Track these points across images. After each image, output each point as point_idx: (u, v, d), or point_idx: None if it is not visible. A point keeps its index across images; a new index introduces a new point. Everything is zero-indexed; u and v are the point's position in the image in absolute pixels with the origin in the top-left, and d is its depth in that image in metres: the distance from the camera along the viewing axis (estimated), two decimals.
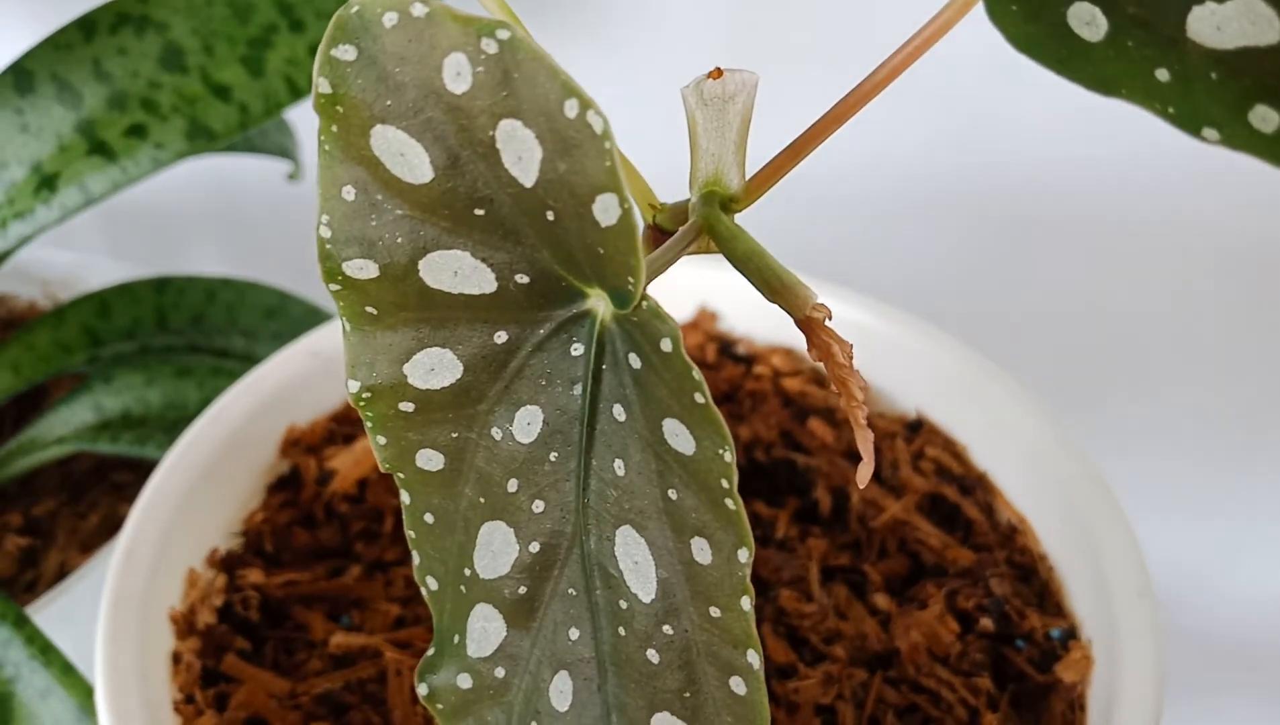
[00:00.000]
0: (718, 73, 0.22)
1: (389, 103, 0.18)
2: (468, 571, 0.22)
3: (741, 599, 0.19)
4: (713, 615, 0.20)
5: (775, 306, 0.48)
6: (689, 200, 0.24)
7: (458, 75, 0.17)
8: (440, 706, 0.23)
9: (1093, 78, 0.17)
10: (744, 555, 0.19)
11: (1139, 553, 0.34)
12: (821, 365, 0.46)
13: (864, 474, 0.20)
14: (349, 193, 0.19)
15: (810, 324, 0.21)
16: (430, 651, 0.23)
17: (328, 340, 0.44)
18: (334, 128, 0.18)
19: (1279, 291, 0.57)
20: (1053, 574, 0.38)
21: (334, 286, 0.20)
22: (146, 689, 0.33)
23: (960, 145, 0.60)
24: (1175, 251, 0.57)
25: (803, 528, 0.40)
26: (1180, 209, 0.56)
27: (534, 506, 0.21)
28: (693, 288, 0.47)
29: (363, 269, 0.19)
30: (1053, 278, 0.61)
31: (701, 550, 0.19)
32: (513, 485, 0.21)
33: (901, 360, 0.44)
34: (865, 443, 0.20)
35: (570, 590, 0.21)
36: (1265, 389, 0.60)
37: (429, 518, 0.22)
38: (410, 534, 0.23)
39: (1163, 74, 0.17)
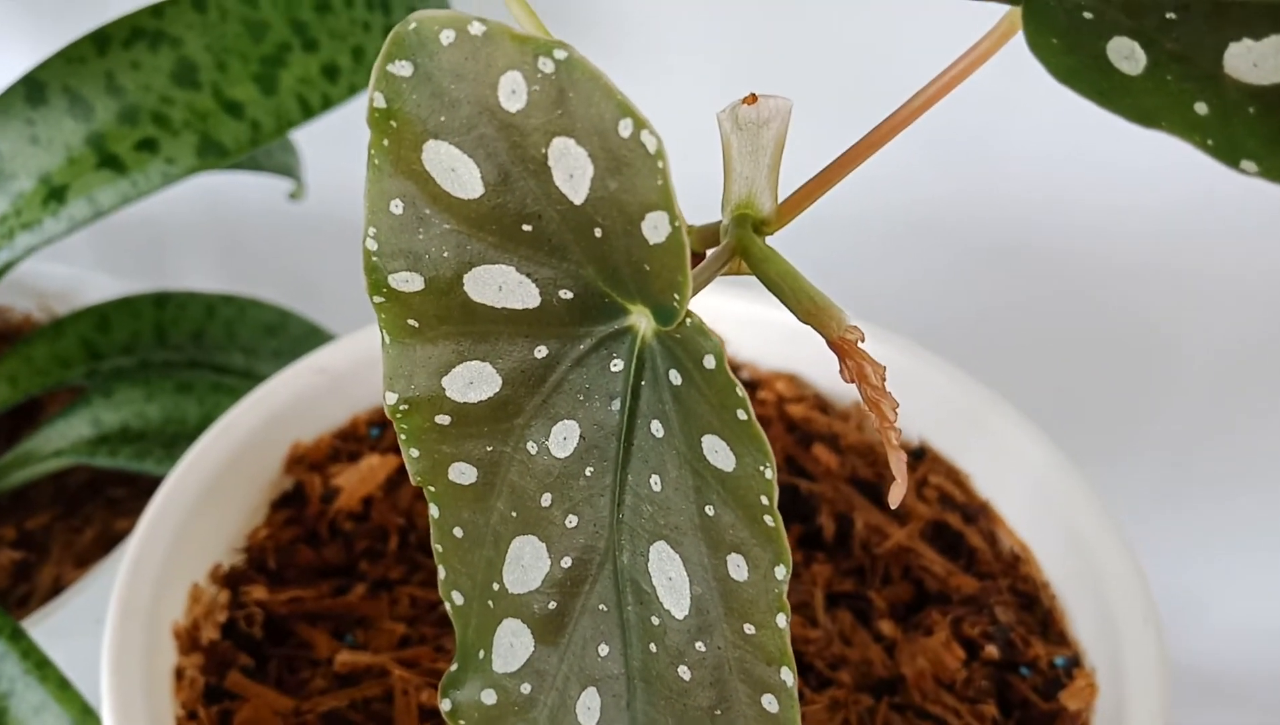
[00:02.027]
0: (753, 98, 0.23)
1: (443, 119, 0.18)
2: (496, 586, 0.22)
3: (777, 616, 0.19)
4: (747, 632, 0.20)
5: (777, 333, 0.49)
6: (719, 222, 0.24)
7: (513, 93, 0.18)
8: (463, 723, 0.23)
9: (1133, 110, 0.17)
10: (781, 572, 0.19)
11: (1144, 580, 0.35)
12: (824, 391, 0.47)
13: (896, 495, 0.21)
14: (397, 207, 0.19)
15: (843, 346, 0.21)
16: (454, 667, 0.23)
17: (334, 357, 0.44)
18: (385, 142, 0.19)
19: (1270, 322, 0.58)
20: (1055, 602, 0.38)
21: (378, 299, 0.20)
22: (152, 703, 0.33)
23: (955, 172, 0.60)
24: (1168, 280, 0.58)
25: (807, 553, 0.40)
26: (1174, 235, 0.57)
27: (567, 521, 0.21)
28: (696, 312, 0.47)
29: (408, 282, 0.20)
30: (1046, 304, 0.61)
31: (738, 567, 0.19)
32: (546, 500, 0.21)
33: (904, 389, 0.44)
34: (899, 464, 0.21)
35: (601, 606, 0.21)
36: (1244, 424, 0.61)
37: (458, 532, 0.22)
38: (437, 548, 0.23)
39: (1201, 108, 0.17)
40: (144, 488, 0.54)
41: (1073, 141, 0.57)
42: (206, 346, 0.58)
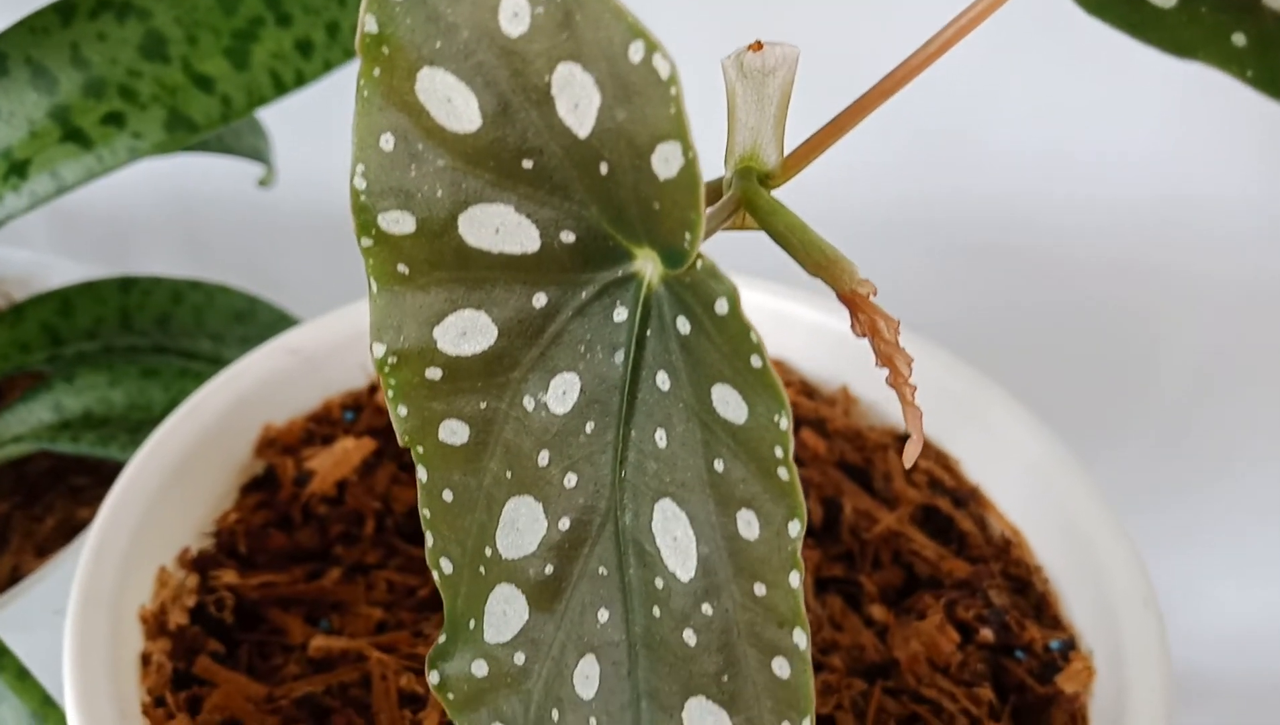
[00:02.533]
0: (758, 45, 0.22)
1: (439, 44, 0.17)
2: (488, 551, 0.21)
3: (790, 574, 0.18)
4: (757, 593, 0.19)
5: (761, 318, 0.48)
6: (721, 178, 0.23)
7: (515, 16, 0.17)
8: (451, 697, 0.22)
9: (1168, 41, 0.17)
10: (795, 528, 0.18)
11: (1140, 562, 0.34)
12: (810, 377, 0.46)
13: (911, 452, 0.20)
14: (388, 141, 0.18)
15: (855, 300, 0.20)
16: (442, 639, 0.22)
17: (307, 338, 0.43)
18: (376, 71, 0.18)
19: (1251, 319, 0.58)
20: (1049, 586, 0.38)
21: (366, 241, 0.19)
22: (117, 689, 0.32)
23: (937, 166, 0.60)
24: (1152, 271, 0.58)
25: None
26: (1157, 226, 0.56)
27: (566, 481, 0.20)
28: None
29: (398, 222, 0.18)
30: (1029, 297, 0.61)
31: (749, 524, 0.18)
32: (544, 458, 0.20)
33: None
34: (914, 420, 0.20)
35: (601, 570, 0.20)
36: (1223, 423, 0.61)
37: (447, 495, 0.21)
38: (425, 513, 0.22)
39: (1239, 39, 0.16)
40: (107, 476, 0.52)
41: (1053, 135, 0.57)
42: (173, 332, 0.56)
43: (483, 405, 0.20)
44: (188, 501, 0.38)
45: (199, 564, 0.37)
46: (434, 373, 0.20)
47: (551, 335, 0.19)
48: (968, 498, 0.41)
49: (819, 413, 0.44)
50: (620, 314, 0.19)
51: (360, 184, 0.18)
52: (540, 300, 0.19)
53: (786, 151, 0.22)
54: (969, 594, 0.36)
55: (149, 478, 0.36)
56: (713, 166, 0.25)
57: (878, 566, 0.39)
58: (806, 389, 0.45)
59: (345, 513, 0.39)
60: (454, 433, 0.21)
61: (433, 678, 0.22)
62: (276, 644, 0.35)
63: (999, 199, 0.60)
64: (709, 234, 0.21)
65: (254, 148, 0.60)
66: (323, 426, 0.42)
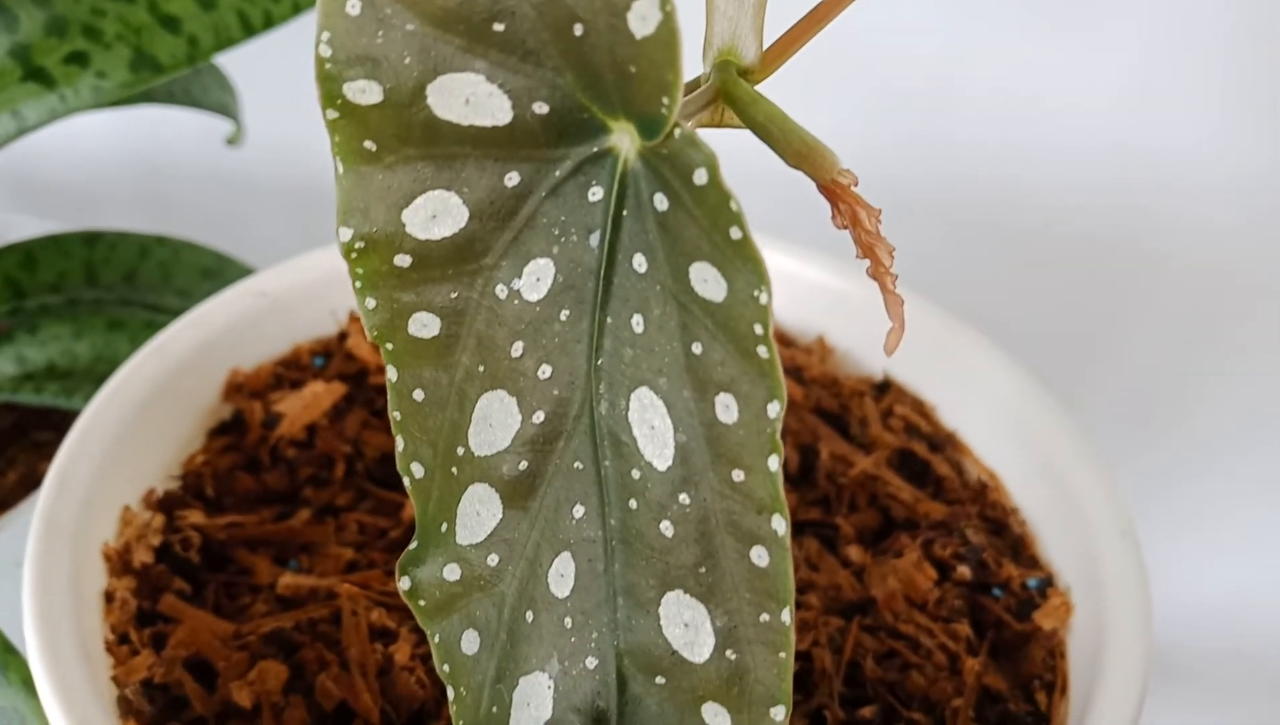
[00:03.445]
0: None
1: None
2: (460, 450, 0.21)
3: (769, 458, 0.18)
4: (735, 480, 0.18)
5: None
6: (699, 76, 0.22)
7: None
8: (423, 603, 0.21)
9: None
10: (775, 409, 0.18)
11: (1119, 493, 0.34)
12: (787, 328, 0.45)
13: (893, 341, 0.19)
14: (354, 6, 0.17)
15: (836, 189, 0.20)
16: (413, 545, 0.22)
17: (276, 281, 0.42)
18: None
19: (1231, 297, 0.58)
20: (1025, 528, 0.37)
21: (332, 113, 0.18)
22: (79, 624, 0.31)
23: (915, 121, 0.59)
24: (1132, 223, 0.58)
25: None
26: (1139, 179, 0.56)
27: (540, 372, 0.20)
28: None
29: (365, 92, 0.18)
30: (1008, 253, 0.61)
31: (727, 408, 0.18)
32: (517, 349, 0.20)
33: (867, 321, 0.44)
34: (895, 308, 0.19)
35: (576, 464, 0.20)
36: (1205, 395, 0.61)
37: (418, 394, 0.21)
38: (395, 415, 0.21)
39: None
40: None
41: (1026, 86, 0.57)
42: (139, 287, 0.55)
43: (454, 295, 0.20)
44: (152, 442, 0.37)
45: (164, 505, 0.36)
46: (403, 260, 0.19)
47: (524, 218, 0.19)
48: (944, 442, 0.40)
49: (795, 361, 0.44)
50: (596, 193, 0.18)
51: (325, 51, 0.18)
52: (513, 179, 0.18)
53: (766, 45, 0.22)
54: (946, 534, 0.36)
55: (113, 414, 0.35)
56: (693, 68, 0.24)
57: (854, 509, 0.38)
58: (783, 338, 0.45)
59: (315, 456, 0.39)
60: (424, 326, 0.20)
61: (403, 583, 0.21)
62: (244, 584, 0.34)
63: (974, 152, 0.60)
64: (685, 118, 0.21)
65: (222, 103, 0.58)
66: (291, 371, 0.41)
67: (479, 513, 0.21)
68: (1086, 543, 0.34)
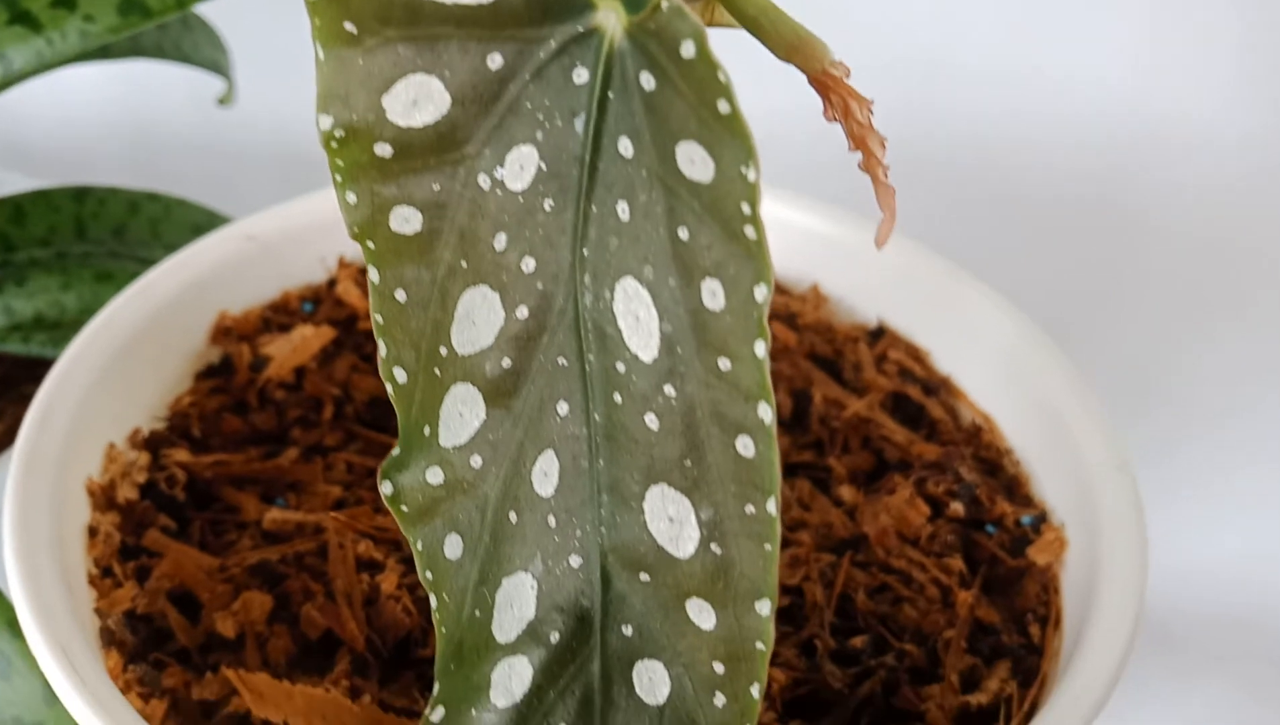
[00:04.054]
0: None
1: None
2: (443, 351, 0.20)
3: (755, 344, 0.17)
4: (721, 368, 0.18)
5: None
6: None
7: None
8: (405, 509, 0.21)
9: None
10: (762, 292, 0.17)
11: (1115, 430, 0.34)
12: (781, 278, 0.45)
13: (885, 232, 0.19)
14: None
15: (827, 81, 0.20)
16: (395, 451, 0.21)
17: (265, 224, 0.41)
18: None
19: (1232, 263, 0.57)
20: (1020, 468, 0.37)
21: None
22: (62, 558, 0.30)
23: (913, 89, 0.59)
24: (1129, 191, 0.58)
25: None
26: (1136, 145, 0.56)
27: (524, 265, 0.19)
28: None
29: None
30: (1005, 218, 0.61)
31: (713, 294, 0.18)
32: (500, 242, 0.19)
33: (861, 268, 0.43)
34: (887, 199, 0.19)
35: (560, 360, 0.19)
36: (1204, 367, 0.60)
37: (400, 294, 0.20)
38: (377, 319, 0.21)
39: None
40: None
41: (1027, 51, 0.56)
42: (129, 242, 0.55)
43: (435, 187, 0.19)
44: (138, 381, 0.36)
45: (150, 444, 0.36)
46: (383, 149, 0.19)
47: (507, 103, 0.18)
48: (939, 386, 0.40)
49: (789, 307, 0.43)
50: (581, 75, 0.18)
51: None
52: (495, 61, 0.18)
53: None
54: (939, 472, 0.36)
55: (97, 351, 0.35)
56: None
57: (847, 451, 0.38)
58: (777, 286, 0.45)
59: (303, 398, 0.38)
60: (406, 221, 0.20)
61: (385, 488, 0.21)
62: (230, 521, 0.34)
63: (973, 118, 0.59)
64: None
65: (213, 60, 0.58)
66: (280, 315, 0.41)
67: (462, 414, 0.20)
68: (1082, 478, 0.33)
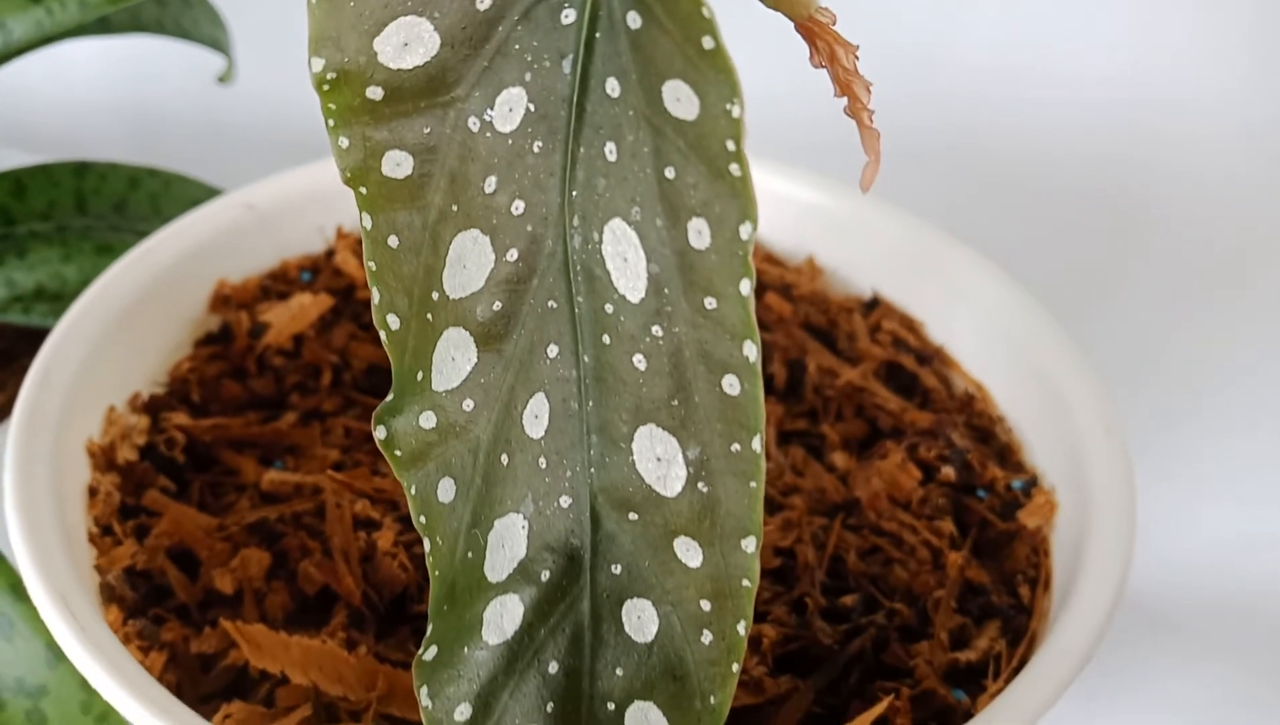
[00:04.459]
0: None
1: None
2: (435, 295, 0.20)
3: (741, 283, 0.18)
4: (708, 307, 0.18)
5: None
6: None
7: None
8: (399, 453, 0.21)
9: None
10: (746, 231, 0.18)
11: (1106, 392, 0.34)
12: (777, 250, 0.45)
13: (869, 176, 0.19)
14: None
15: (813, 27, 0.20)
16: (389, 397, 0.22)
17: (263, 194, 0.42)
18: None
19: (1231, 246, 0.57)
20: (1011, 435, 0.37)
21: None
22: (62, 516, 0.31)
23: (910, 77, 0.59)
24: (1127, 176, 0.58)
25: None
26: (1136, 131, 0.56)
27: (513, 208, 0.19)
28: None
29: None
30: (1003, 204, 0.61)
31: (699, 234, 0.18)
32: (490, 185, 0.19)
33: (857, 240, 0.43)
34: (872, 143, 0.19)
35: (550, 302, 0.20)
36: (1190, 350, 0.60)
37: (393, 240, 0.21)
38: (370, 266, 0.21)
39: None
40: None
41: (1030, 38, 0.56)
42: (129, 216, 0.55)
43: (426, 130, 0.19)
44: (138, 346, 0.37)
45: (150, 407, 0.36)
46: (375, 92, 0.19)
47: (496, 44, 0.19)
48: (932, 356, 0.40)
49: (784, 279, 0.43)
50: (568, 16, 0.18)
51: None
52: (484, 2, 0.18)
53: None
54: (931, 439, 0.36)
55: (98, 314, 0.35)
56: None
57: (840, 419, 0.38)
58: (772, 259, 0.45)
59: (301, 365, 0.39)
60: (397, 165, 0.20)
61: (379, 433, 0.21)
62: (229, 483, 0.34)
63: (972, 104, 0.59)
64: None
65: (213, 37, 0.58)
66: (279, 284, 0.41)
67: (454, 358, 0.21)
68: (1072, 442, 0.34)
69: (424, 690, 0.20)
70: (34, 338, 0.54)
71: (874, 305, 0.43)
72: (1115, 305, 0.60)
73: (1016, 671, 0.29)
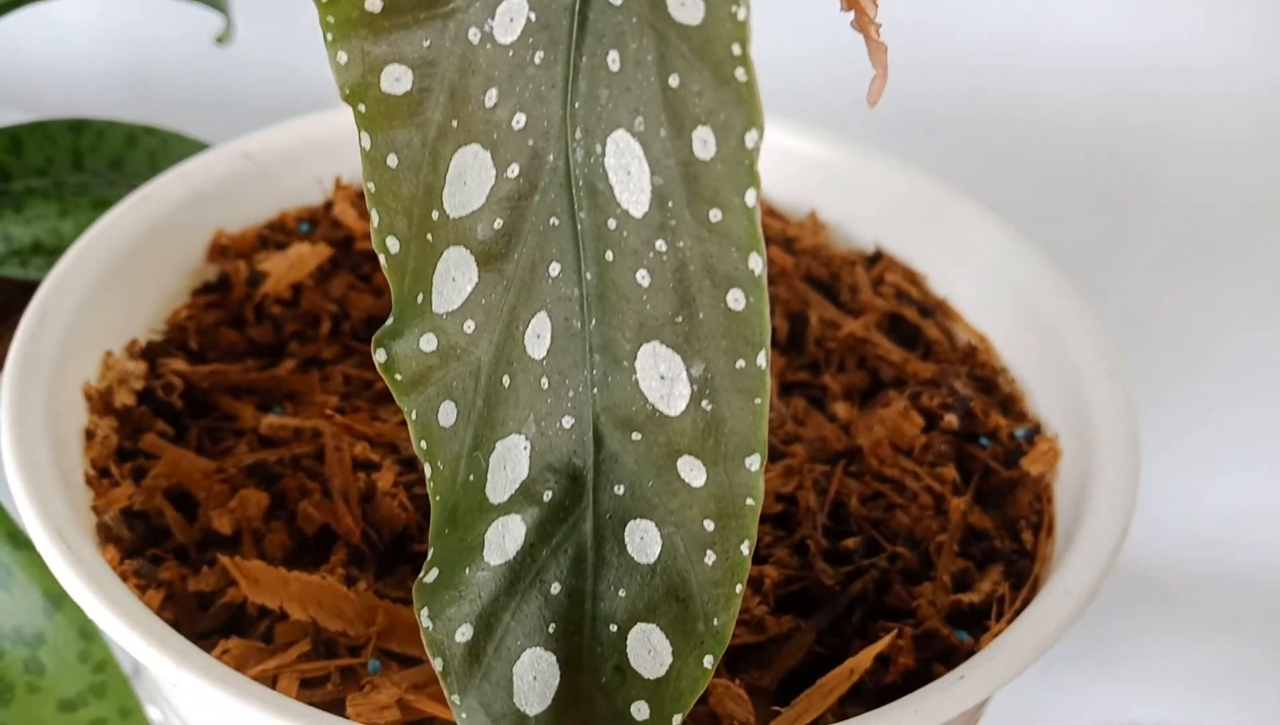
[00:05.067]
0: None
1: None
2: (435, 214, 0.20)
3: (746, 193, 0.18)
4: (712, 220, 0.18)
5: None
6: None
7: None
8: (399, 377, 0.21)
9: None
10: (753, 138, 0.17)
11: (1109, 337, 0.34)
12: (779, 205, 0.45)
13: (877, 90, 0.19)
14: None
15: None
16: (389, 321, 0.21)
17: (262, 143, 0.41)
18: None
19: (1232, 210, 0.57)
20: (1014, 385, 0.37)
21: None
22: (58, 457, 0.31)
23: (916, 46, 0.58)
24: (1129, 142, 0.57)
25: None
26: (1138, 96, 0.56)
27: (514, 121, 0.19)
28: None
29: None
30: (1005, 170, 0.60)
31: (704, 143, 0.18)
32: (491, 98, 0.19)
33: (860, 195, 0.43)
34: (879, 56, 0.19)
35: (552, 219, 0.19)
36: (1189, 321, 0.60)
37: (391, 159, 0.20)
38: (369, 186, 0.21)
39: None
40: None
41: (1035, 9, 0.56)
42: (126, 174, 0.55)
43: (425, 43, 0.19)
44: (136, 292, 0.36)
45: (147, 354, 0.36)
46: (373, 3, 0.19)
47: None
48: (935, 308, 0.40)
49: (787, 232, 0.43)
50: None
51: None
52: None
53: None
54: (934, 388, 0.36)
55: (96, 257, 0.35)
56: None
57: (842, 370, 0.38)
58: (775, 213, 0.45)
59: (300, 314, 0.38)
60: (396, 80, 0.20)
61: (379, 356, 0.21)
62: (228, 429, 0.34)
63: (973, 66, 0.59)
64: None
65: None
66: (277, 234, 0.41)
67: (455, 278, 0.20)
68: (1075, 388, 0.33)
69: (424, 612, 0.20)
70: (30, 292, 0.53)
71: (877, 258, 0.42)
72: (1114, 275, 0.60)
73: (1019, 614, 0.29)
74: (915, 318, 0.40)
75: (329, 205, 0.42)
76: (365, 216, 0.41)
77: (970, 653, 0.28)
